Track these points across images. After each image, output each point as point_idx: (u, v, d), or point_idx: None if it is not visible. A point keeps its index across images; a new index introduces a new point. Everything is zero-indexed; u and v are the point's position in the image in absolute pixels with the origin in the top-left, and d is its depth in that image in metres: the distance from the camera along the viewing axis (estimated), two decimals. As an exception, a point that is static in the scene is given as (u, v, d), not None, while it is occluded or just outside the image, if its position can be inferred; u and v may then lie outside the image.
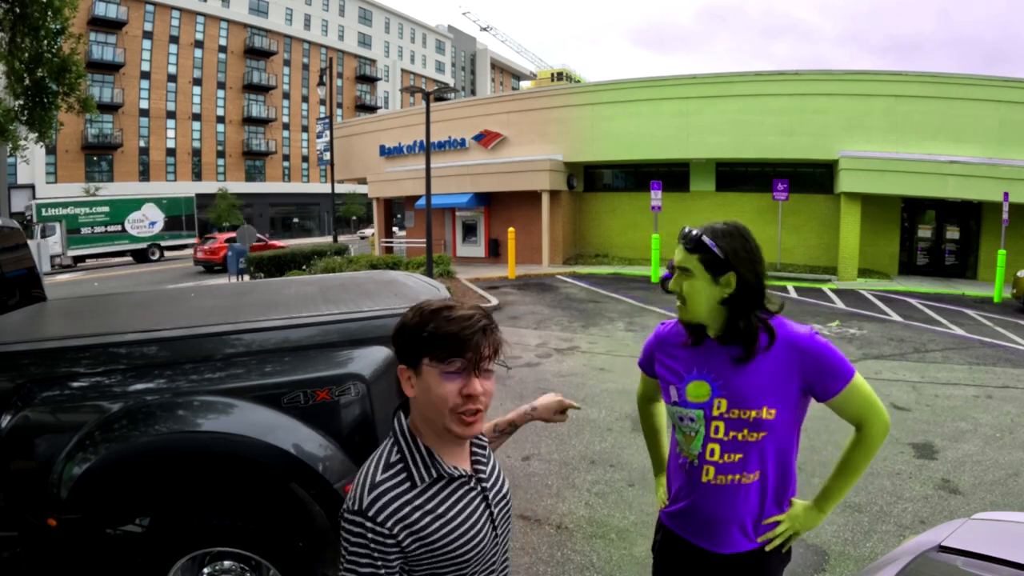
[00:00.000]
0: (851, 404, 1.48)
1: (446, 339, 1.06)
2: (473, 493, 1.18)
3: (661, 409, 1.89)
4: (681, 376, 1.57)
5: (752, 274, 1.47)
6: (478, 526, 1.15)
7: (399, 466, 1.11)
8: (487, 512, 1.19)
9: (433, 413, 1.10)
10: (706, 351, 1.54)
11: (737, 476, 1.51)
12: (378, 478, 1.09)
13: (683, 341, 1.59)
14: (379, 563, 1.04)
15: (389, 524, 1.04)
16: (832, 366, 1.46)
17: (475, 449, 1.25)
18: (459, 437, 1.12)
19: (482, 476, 1.22)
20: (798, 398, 1.49)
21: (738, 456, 1.50)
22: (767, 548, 1.55)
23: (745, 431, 1.48)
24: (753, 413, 1.47)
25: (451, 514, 1.11)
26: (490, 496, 1.21)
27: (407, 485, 1.09)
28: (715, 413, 1.50)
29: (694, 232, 1.51)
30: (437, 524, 1.09)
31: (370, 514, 1.04)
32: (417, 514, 1.07)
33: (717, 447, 1.51)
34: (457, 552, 1.10)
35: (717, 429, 1.51)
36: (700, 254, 1.49)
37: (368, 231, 40.47)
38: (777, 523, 1.55)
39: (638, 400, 1.91)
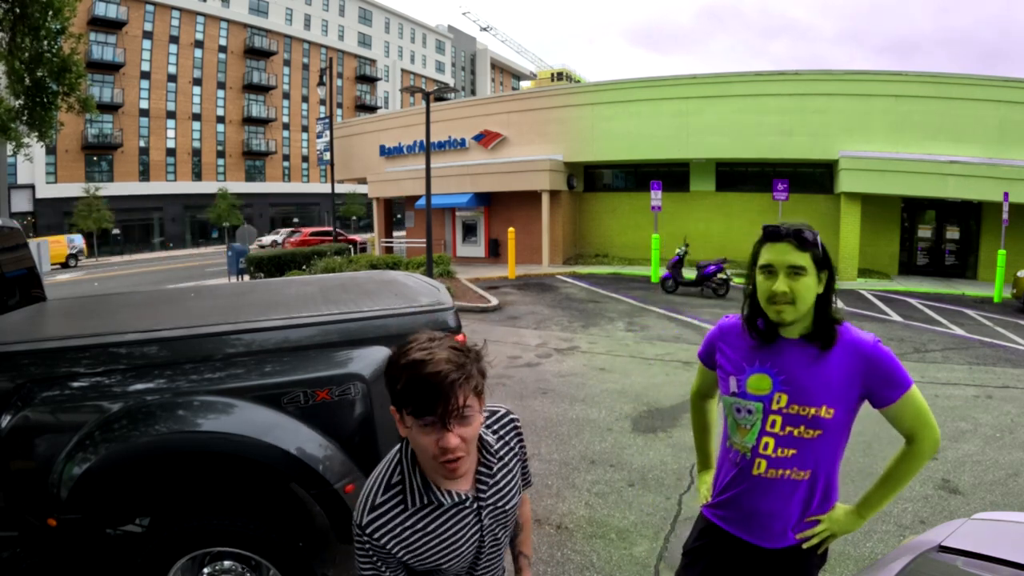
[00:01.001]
0: (906, 415, 1.51)
1: (416, 396, 1.10)
2: (465, 512, 1.27)
3: (714, 406, 1.91)
4: (743, 368, 1.59)
5: (834, 271, 1.54)
6: (462, 543, 1.27)
7: (397, 488, 1.24)
8: (477, 529, 1.29)
9: (420, 457, 1.20)
10: (776, 348, 1.56)
11: (788, 471, 1.54)
12: (378, 500, 1.23)
13: (749, 337, 1.60)
14: (380, 565, 1.24)
15: (383, 541, 1.22)
16: (893, 375, 1.48)
17: (480, 468, 1.28)
18: (445, 480, 1.22)
19: (482, 494, 1.28)
20: (856, 402, 1.52)
21: (791, 452, 1.53)
22: (804, 546, 1.58)
23: (802, 427, 1.51)
24: (812, 410, 1.49)
25: (438, 532, 1.25)
26: (484, 514, 1.29)
27: (401, 508, 1.23)
28: (774, 407, 1.53)
29: (805, 230, 1.50)
30: (424, 540, 1.24)
31: (368, 531, 1.22)
32: (407, 532, 1.23)
33: (772, 441, 1.54)
34: (437, 561, 1.26)
35: (774, 423, 1.53)
36: (813, 252, 1.49)
37: (267, 238, 34.97)
38: (817, 522, 1.58)
39: (692, 396, 1.93)
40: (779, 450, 1.53)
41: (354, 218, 54.81)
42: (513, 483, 1.36)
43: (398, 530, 1.22)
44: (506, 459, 1.35)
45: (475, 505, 1.27)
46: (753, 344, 1.59)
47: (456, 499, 1.24)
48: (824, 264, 1.50)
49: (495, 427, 1.36)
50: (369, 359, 2.45)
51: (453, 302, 2.91)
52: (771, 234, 1.52)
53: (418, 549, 1.23)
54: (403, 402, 1.13)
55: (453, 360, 1.12)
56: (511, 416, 1.41)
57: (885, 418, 1.54)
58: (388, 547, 1.21)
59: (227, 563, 2.30)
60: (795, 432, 1.51)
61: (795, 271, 1.48)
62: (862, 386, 1.50)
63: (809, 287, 1.48)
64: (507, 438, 1.37)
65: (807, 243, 1.48)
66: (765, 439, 1.54)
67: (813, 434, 1.50)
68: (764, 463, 1.55)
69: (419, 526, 1.23)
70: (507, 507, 1.34)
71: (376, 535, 1.21)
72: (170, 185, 44.33)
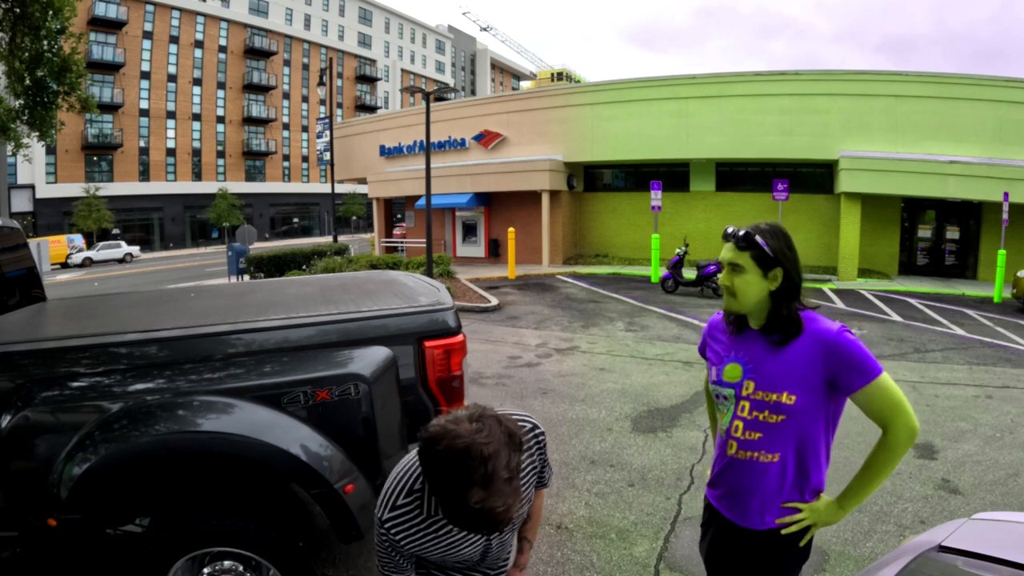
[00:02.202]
0: (874, 403, 1.55)
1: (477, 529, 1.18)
2: None
3: None
4: (721, 358, 1.74)
5: (795, 271, 1.63)
6: (469, 547, 1.40)
7: (417, 494, 1.34)
8: (483, 540, 1.41)
9: None
10: (745, 339, 1.70)
11: (756, 453, 1.64)
12: (399, 502, 1.35)
13: (727, 329, 1.76)
14: (394, 554, 1.39)
15: (399, 537, 1.36)
16: (855, 362, 1.54)
17: None
18: None
19: None
20: (822, 390, 1.58)
21: (758, 435, 1.63)
22: (783, 532, 1.64)
23: (766, 412, 1.61)
24: (774, 396, 1.60)
25: (448, 538, 1.37)
26: None
27: (417, 512, 1.34)
28: (743, 393, 1.66)
29: (743, 232, 1.64)
30: (434, 542, 1.37)
31: (387, 526, 1.35)
32: (420, 534, 1.36)
33: (741, 424, 1.66)
34: (444, 555, 1.40)
35: (743, 408, 1.66)
36: (752, 251, 1.62)
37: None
38: (798, 510, 1.65)
39: (705, 386, 2.04)
40: (747, 433, 1.65)
41: (354, 218, 54.82)
42: (525, 494, 1.44)
43: (413, 531, 1.35)
44: (521, 475, 1.41)
45: None
46: (730, 336, 1.74)
47: None
48: (773, 263, 1.61)
49: None
50: (369, 359, 2.45)
51: (453, 302, 2.91)
52: (724, 235, 1.70)
53: (428, 548, 1.37)
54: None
55: (508, 495, 1.14)
56: (535, 432, 1.48)
57: (858, 407, 1.59)
58: (401, 542, 1.36)
59: (227, 563, 2.30)
60: (760, 416, 1.62)
61: (734, 268, 1.65)
62: (824, 372, 1.56)
63: (749, 283, 1.63)
64: (528, 452, 1.45)
65: (747, 244, 1.62)
66: (736, 422, 1.67)
67: (777, 419, 1.60)
68: (735, 444, 1.68)
69: (431, 530, 1.35)
70: (515, 515, 1.39)
71: (393, 531, 1.34)
72: (170, 185, 44.32)
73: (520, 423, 1.44)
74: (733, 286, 1.65)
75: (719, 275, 1.71)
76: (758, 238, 1.62)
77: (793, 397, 1.58)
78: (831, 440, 1.67)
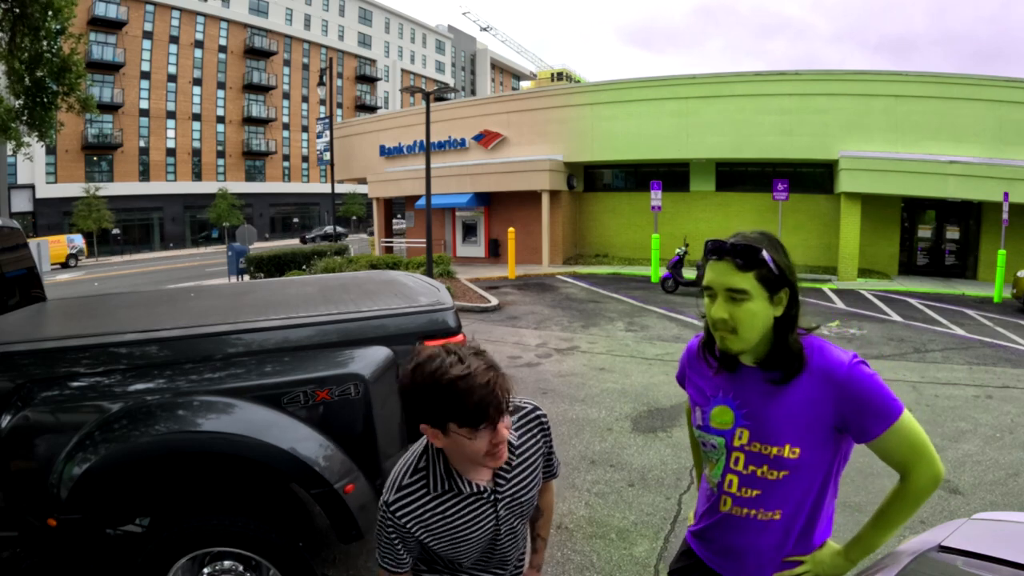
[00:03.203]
0: (894, 449, 1.30)
1: (471, 411, 1.15)
2: (482, 503, 1.34)
3: None
4: (707, 398, 1.45)
5: (797, 288, 1.34)
6: (478, 530, 1.35)
7: (422, 473, 1.32)
8: (492, 519, 1.36)
9: (465, 458, 1.26)
10: (736, 376, 1.41)
11: (754, 511, 1.40)
12: (404, 482, 1.32)
13: (712, 366, 1.46)
14: (396, 541, 1.33)
15: (404, 520, 1.30)
16: (873, 404, 1.28)
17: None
18: (475, 471, 1.31)
19: (500, 487, 1.36)
20: (831, 437, 1.32)
21: (755, 492, 1.38)
22: None
23: (765, 467, 1.35)
24: (774, 450, 1.33)
25: (456, 519, 1.32)
26: (500, 505, 1.37)
27: (424, 491, 1.31)
28: (736, 443, 1.39)
29: (742, 244, 1.30)
30: (442, 523, 1.32)
31: (392, 508, 1.30)
32: (428, 515, 1.31)
33: (735, 479, 1.40)
34: (454, 544, 1.34)
35: (737, 460, 1.39)
36: (758, 271, 1.29)
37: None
38: (799, 563, 1.43)
39: (686, 413, 1.76)
40: (743, 489, 1.39)
41: (354, 218, 54.82)
42: (532, 477, 1.42)
43: (419, 511, 1.30)
44: (527, 455, 1.41)
45: (492, 497, 1.34)
46: (715, 371, 1.44)
47: (475, 489, 1.31)
48: (779, 283, 1.30)
49: (519, 423, 1.42)
50: (369, 359, 2.45)
51: (453, 302, 2.91)
52: (712, 250, 1.33)
53: (436, 530, 1.32)
54: (455, 418, 1.16)
55: (488, 363, 1.18)
56: (537, 412, 1.46)
57: (873, 452, 1.34)
58: (408, 526, 1.31)
59: (227, 563, 2.30)
60: (758, 472, 1.35)
61: (735, 295, 1.30)
62: (835, 418, 1.29)
63: (754, 312, 1.29)
64: (532, 432, 1.43)
65: (751, 262, 1.28)
66: (729, 476, 1.41)
67: (778, 475, 1.34)
68: (729, 500, 1.43)
69: (439, 510, 1.31)
70: (524, 499, 1.40)
71: (399, 514, 1.30)
72: (170, 185, 44.32)
73: (520, 404, 1.45)
74: (734, 320, 1.30)
75: (712, 307, 1.34)
76: (764, 253, 1.28)
77: (797, 450, 1.31)
78: (839, 481, 1.44)
